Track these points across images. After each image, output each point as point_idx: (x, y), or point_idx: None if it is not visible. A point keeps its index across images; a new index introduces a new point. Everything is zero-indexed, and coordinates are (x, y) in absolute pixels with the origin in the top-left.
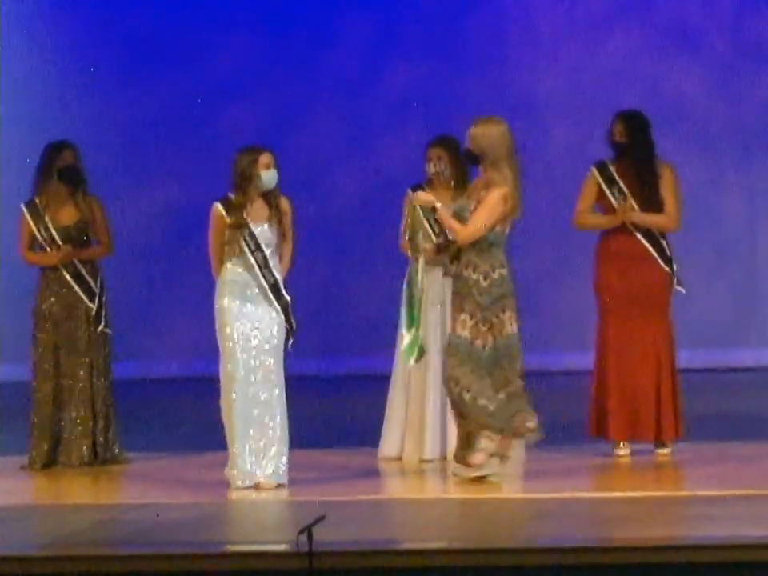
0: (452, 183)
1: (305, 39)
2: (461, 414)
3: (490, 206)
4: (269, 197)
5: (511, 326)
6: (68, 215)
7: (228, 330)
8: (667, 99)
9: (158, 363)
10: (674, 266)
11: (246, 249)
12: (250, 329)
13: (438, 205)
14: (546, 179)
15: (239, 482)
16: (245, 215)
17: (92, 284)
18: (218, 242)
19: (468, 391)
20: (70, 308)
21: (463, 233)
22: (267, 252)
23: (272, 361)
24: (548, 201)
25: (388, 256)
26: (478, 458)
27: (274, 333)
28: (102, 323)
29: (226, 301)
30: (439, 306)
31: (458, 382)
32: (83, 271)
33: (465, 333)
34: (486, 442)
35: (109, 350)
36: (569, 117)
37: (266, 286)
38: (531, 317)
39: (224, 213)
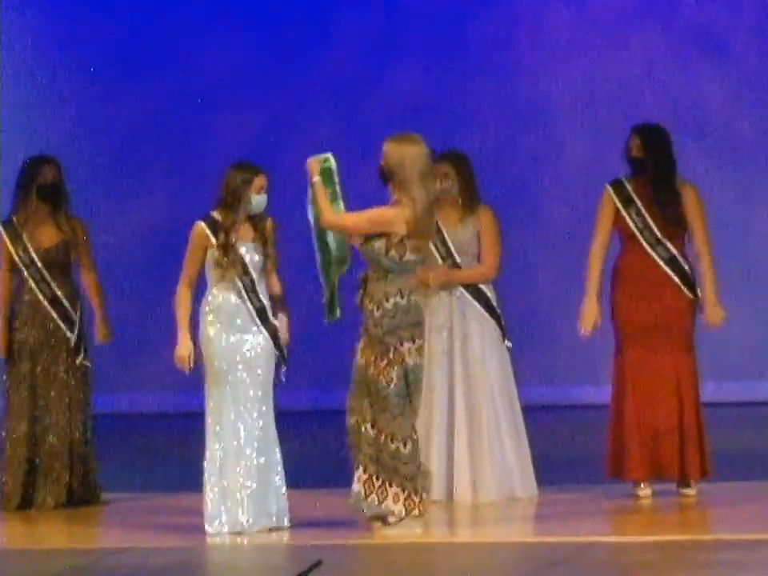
0: (459, 202)
1: (301, 42)
2: (373, 457)
3: (374, 214)
4: (254, 218)
5: (413, 358)
6: (48, 236)
7: (214, 361)
8: (688, 109)
9: (138, 397)
10: (698, 292)
11: (233, 272)
12: (238, 360)
13: (316, 179)
14: (559, 195)
15: (212, 529)
16: (233, 237)
17: (71, 311)
18: (193, 264)
19: (381, 432)
20: (47, 338)
21: (328, 217)
22: (254, 276)
23: (261, 393)
24: (561, 218)
25: None
26: (390, 518)
27: (262, 364)
28: (82, 355)
29: (211, 330)
30: (445, 333)
31: (375, 424)
32: (60, 294)
33: (371, 370)
34: (392, 504)
35: (88, 384)
36: (583, 128)
37: (253, 311)
38: (543, 345)
39: (209, 233)
